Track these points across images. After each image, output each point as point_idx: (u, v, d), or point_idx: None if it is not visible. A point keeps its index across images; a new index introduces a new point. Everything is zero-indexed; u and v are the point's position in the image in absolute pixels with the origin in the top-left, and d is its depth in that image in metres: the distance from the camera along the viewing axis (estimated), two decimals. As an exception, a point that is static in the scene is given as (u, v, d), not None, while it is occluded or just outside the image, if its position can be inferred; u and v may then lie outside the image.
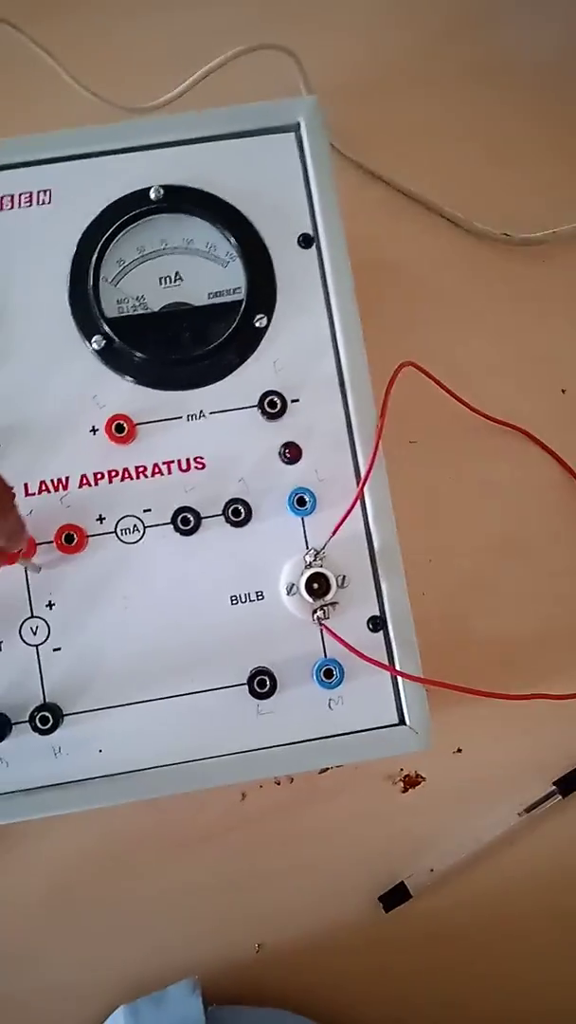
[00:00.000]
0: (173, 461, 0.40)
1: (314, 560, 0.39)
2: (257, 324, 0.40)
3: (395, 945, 0.45)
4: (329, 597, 0.38)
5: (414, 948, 0.45)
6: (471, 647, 0.48)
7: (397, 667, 0.39)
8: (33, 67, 0.46)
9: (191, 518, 0.39)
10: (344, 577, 0.39)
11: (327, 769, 0.47)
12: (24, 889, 0.46)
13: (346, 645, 0.38)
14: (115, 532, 0.39)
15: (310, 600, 0.38)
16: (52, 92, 0.47)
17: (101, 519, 0.39)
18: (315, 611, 0.39)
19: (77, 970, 0.46)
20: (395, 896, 0.45)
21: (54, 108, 0.48)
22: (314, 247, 0.41)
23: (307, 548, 0.39)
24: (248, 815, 0.47)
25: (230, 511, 0.39)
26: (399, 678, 0.39)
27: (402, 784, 0.47)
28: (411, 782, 0.47)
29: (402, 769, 0.47)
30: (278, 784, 0.47)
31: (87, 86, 0.47)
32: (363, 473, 0.39)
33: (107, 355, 0.40)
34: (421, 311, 0.50)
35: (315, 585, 0.38)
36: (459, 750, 0.47)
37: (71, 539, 0.39)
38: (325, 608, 0.39)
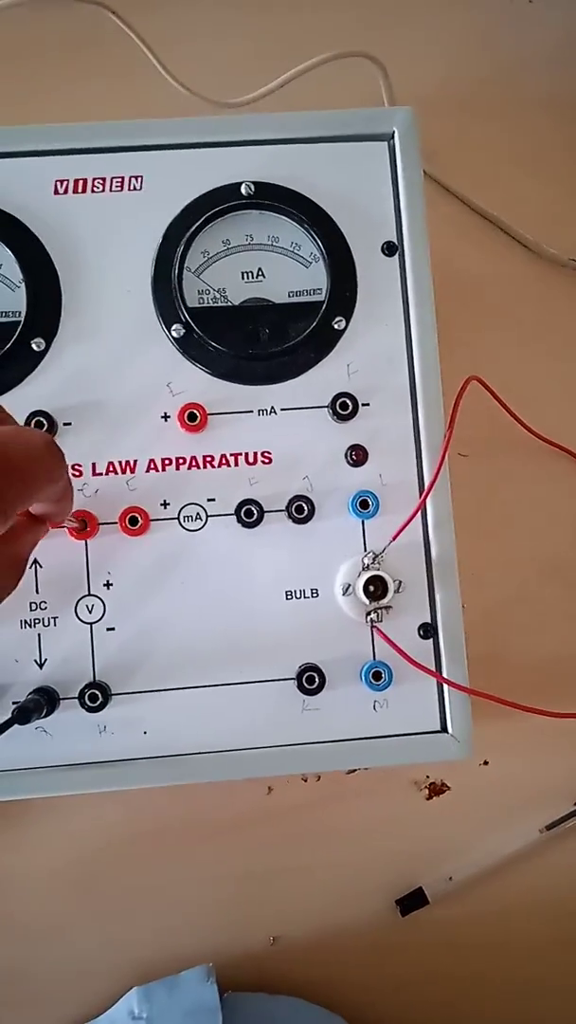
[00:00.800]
0: (241, 454, 0.40)
1: (372, 563, 0.40)
2: (335, 326, 0.41)
3: (410, 948, 0.46)
4: (384, 601, 0.39)
5: (428, 953, 0.46)
6: (505, 662, 0.49)
7: (445, 675, 0.39)
8: (126, 53, 0.47)
9: (255, 511, 0.40)
10: (400, 582, 0.40)
11: (355, 770, 0.47)
12: (46, 865, 0.46)
13: (398, 650, 0.38)
14: (178, 518, 0.40)
15: (366, 602, 0.39)
16: (142, 79, 0.48)
17: (165, 504, 0.40)
18: (369, 613, 0.39)
19: (92, 949, 0.46)
20: (412, 901, 0.46)
21: (142, 94, 0.49)
22: (397, 256, 0.41)
23: (365, 550, 0.40)
24: (273, 809, 0.47)
25: (293, 508, 0.40)
26: (445, 686, 0.40)
27: (427, 791, 0.48)
28: (436, 790, 0.48)
29: (428, 776, 0.48)
30: (304, 781, 0.47)
31: (177, 76, 0.48)
32: (427, 482, 0.40)
33: (185, 344, 0.40)
34: (485, 327, 0.50)
35: (372, 588, 0.39)
36: (486, 762, 0.48)
37: (135, 521, 0.39)
38: (379, 611, 0.39)
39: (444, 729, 0.40)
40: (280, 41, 0.52)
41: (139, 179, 0.41)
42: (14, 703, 0.38)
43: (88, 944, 0.46)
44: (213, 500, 0.40)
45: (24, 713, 0.35)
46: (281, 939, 0.46)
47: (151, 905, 0.47)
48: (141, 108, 0.49)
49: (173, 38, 0.48)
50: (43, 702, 0.37)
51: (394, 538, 0.40)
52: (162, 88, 0.48)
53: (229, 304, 0.41)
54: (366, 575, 0.39)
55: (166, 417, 0.40)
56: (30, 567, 0.39)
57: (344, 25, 0.53)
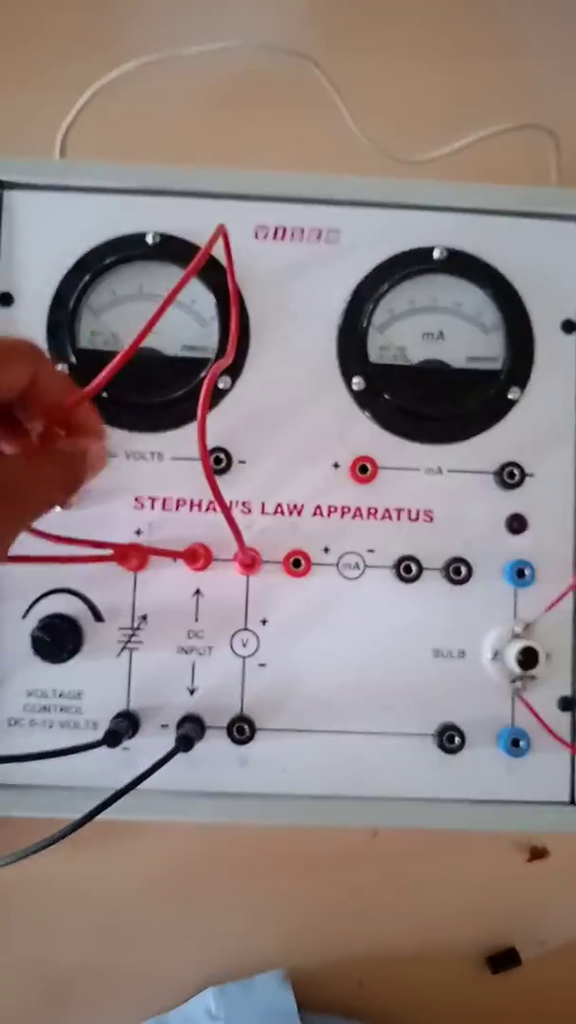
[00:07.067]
0: (404, 509, 0.41)
1: (523, 632, 0.40)
2: (510, 396, 0.41)
3: (497, 1005, 0.47)
4: (532, 671, 0.40)
5: (515, 1013, 0.46)
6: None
7: (581, 750, 0.40)
8: (319, 102, 0.48)
9: (413, 567, 0.40)
10: (548, 654, 0.40)
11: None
12: (151, 873, 0.48)
13: (540, 720, 0.39)
14: (337, 565, 0.41)
15: (515, 670, 0.40)
16: (326, 122, 0.49)
17: (326, 550, 0.41)
18: (514, 681, 0.40)
19: (177, 956, 0.47)
20: (504, 960, 0.47)
21: (325, 138, 0.50)
22: (575, 334, 0.42)
23: (516, 618, 0.41)
24: (377, 853, 0.48)
25: (451, 569, 0.41)
26: (577, 760, 0.41)
27: (528, 854, 0.48)
28: (537, 854, 0.48)
29: (530, 839, 0.48)
30: (410, 829, 0.48)
31: (363, 129, 0.49)
32: (584, 559, 0.41)
33: (363, 397, 0.41)
34: None
35: (523, 657, 0.40)
36: (588, 832, 0.49)
37: (298, 564, 0.40)
38: (525, 680, 0.40)
39: (572, 802, 0.41)
40: (458, 101, 0.53)
41: (336, 233, 0.42)
42: (162, 725, 0.40)
43: (171, 951, 0.47)
44: (373, 551, 0.41)
45: (188, 742, 0.36)
46: (367, 983, 0.47)
47: (240, 926, 0.48)
48: (322, 152, 0.50)
49: (365, 89, 0.49)
50: (199, 730, 0.38)
51: (547, 610, 0.40)
52: (347, 138, 0.49)
53: (408, 363, 0.42)
54: (519, 644, 0.40)
55: (337, 465, 0.41)
56: (192, 595, 0.40)
57: (519, 92, 0.55)
